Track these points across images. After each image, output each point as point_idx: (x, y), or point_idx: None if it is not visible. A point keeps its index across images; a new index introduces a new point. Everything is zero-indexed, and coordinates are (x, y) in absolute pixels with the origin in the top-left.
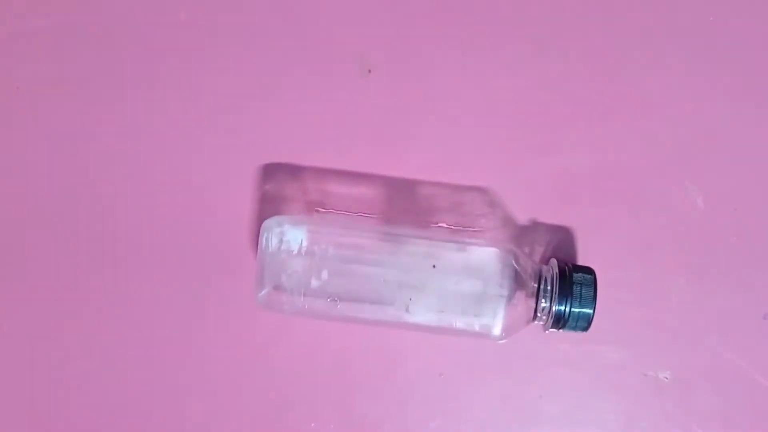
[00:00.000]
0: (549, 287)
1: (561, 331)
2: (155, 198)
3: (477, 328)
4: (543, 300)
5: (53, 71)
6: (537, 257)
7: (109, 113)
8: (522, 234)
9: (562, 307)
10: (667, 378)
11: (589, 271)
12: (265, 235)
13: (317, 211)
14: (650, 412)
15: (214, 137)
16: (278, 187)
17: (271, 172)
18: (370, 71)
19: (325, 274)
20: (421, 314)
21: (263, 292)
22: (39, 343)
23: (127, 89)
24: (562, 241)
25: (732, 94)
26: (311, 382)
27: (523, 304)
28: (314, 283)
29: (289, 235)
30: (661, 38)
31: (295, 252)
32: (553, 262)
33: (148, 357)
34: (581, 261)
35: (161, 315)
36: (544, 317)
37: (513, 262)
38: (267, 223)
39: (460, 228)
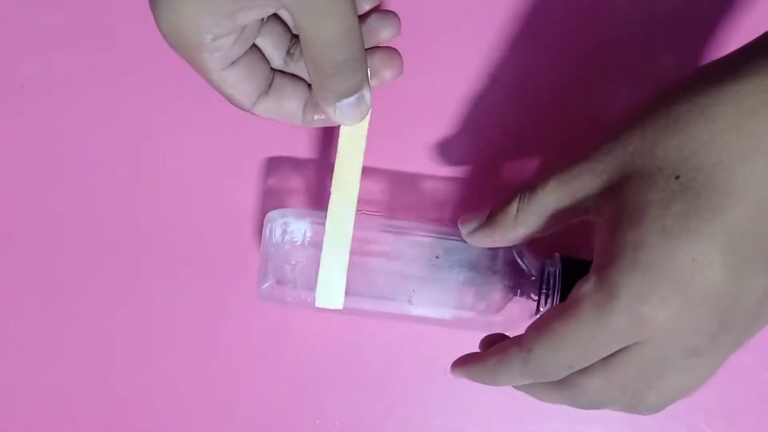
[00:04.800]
0: (552, 281)
1: None
2: (159, 192)
3: (480, 321)
4: (546, 294)
5: (58, 69)
6: (540, 252)
7: (114, 110)
8: None
9: None
10: None
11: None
12: (269, 226)
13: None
14: None
15: (217, 132)
16: (282, 181)
17: (275, 166)
18: None
19: None
20: (424, 306)
21: (266, 284)
22: (38, 337)
23: (132, 85)
24: (565, 236)
25: None
26: (315, 378)
27: (526, 298)
28: None
29: (293, 227)
30: (664, 34)
31: (299, 243)
32: (556, 256)
33: (150, 350)
34: (585, 256)
35: (164, 309)
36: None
37: (516, 256)
38: (271, 214)
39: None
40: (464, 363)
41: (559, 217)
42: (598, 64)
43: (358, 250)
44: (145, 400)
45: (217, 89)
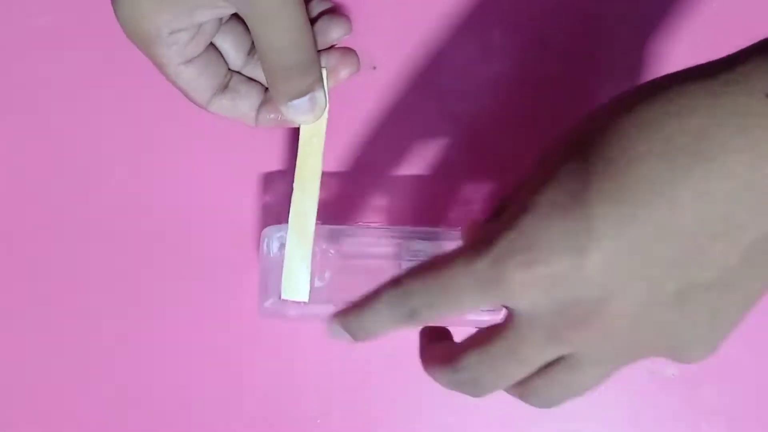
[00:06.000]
0: None
1: None
2: (155, 205)
3: (484, 321)
4: None
5: (59, 69)
6: None
7: (113, 117)
8: None
9: None
10: (674, 375)
11: None
12: (266, 241)
13: (318, 224)
14: (657, 409)
15: (214, 146)
16: (279, 196)
17: (272, 179)
18: (375, 68)
19: (327, 275)
20: None
21: (268, 301)
22: (38, 346)
23: (133, 93)
24: None
25: None
26: (316, 377)
27: None
28: (318, 284)
29: None
30: (665, 34)
31: None
32: None
33: (152, 350)
34: None
35: (164, 309)
36: None
37: None
38: (267, 230)
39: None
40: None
41: None
42: (597, 63)
43: (357, 255)
44: (146, 401)
45: (173, 84)
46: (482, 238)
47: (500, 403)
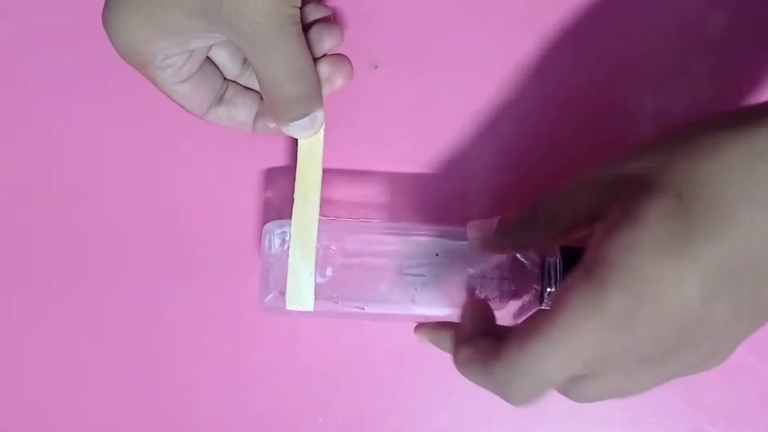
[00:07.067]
0: (553, 273)
1: None
2: (156, 202)
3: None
4: (547, 287)
5: (61, 68)
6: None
7: (114, 114)
8: None
9: None
10: None
11: None
12: (267, 237)
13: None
14: (657, 408)
15: (215, 143)
16: (280, 192)
17: (273, 174)
18: (376, 67)
19: (329, 271)
20: (427, 304)
21: (269, 296)
22: (39, 345)
23: (131, 91)
24: None
25: (745, 86)
26: (318, 377)
27: (528, 291)
28: (319, 280)
29: None
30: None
31: None
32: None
33: (154, 351)
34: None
35: (165, 310)
36: (550, 303)
37: None
38: (268, 226)
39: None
40: (433, 329)
41: (570, 225)
42: (600, 60)
43: (358, 252)
44: (147, 397)
45: (170, 98)
46: (588, 282)
47: (501, 401)
